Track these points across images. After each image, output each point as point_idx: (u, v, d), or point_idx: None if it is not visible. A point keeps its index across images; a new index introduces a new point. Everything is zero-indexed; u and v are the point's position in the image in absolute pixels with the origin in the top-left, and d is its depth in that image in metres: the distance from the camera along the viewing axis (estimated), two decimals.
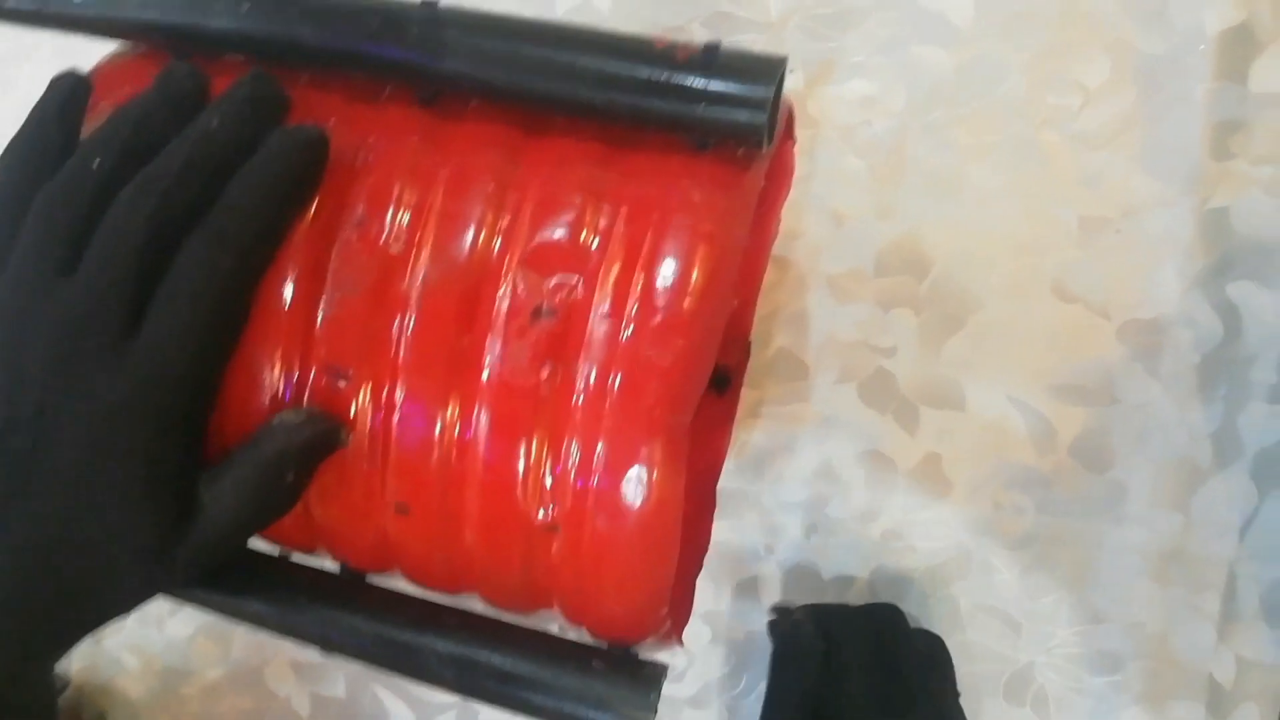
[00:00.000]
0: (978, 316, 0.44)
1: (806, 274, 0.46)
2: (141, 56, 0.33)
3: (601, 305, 0.28)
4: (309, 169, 0.29)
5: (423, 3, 0.30)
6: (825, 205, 0.46)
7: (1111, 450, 0.43)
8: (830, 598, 0.46)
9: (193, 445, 0.28)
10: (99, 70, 0.33)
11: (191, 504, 0.28)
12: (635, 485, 0.27)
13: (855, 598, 0.45)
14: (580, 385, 0.27)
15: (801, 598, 0.46)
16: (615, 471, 0.27)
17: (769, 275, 0.44)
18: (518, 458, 0.28)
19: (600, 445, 0.27)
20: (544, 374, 0.27)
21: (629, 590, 0.30)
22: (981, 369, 0.44)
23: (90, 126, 0.30)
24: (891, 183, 0.45)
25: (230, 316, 0.28)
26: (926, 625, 0.44)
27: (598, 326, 0.28)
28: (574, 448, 0.27)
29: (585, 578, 0.30)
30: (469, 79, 0.30)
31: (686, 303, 0.27)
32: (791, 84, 0.47)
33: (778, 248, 0.42)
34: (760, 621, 0.46)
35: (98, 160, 0.27)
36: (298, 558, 0.33)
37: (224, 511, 0.28)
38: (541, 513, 0.28)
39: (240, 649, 0.54)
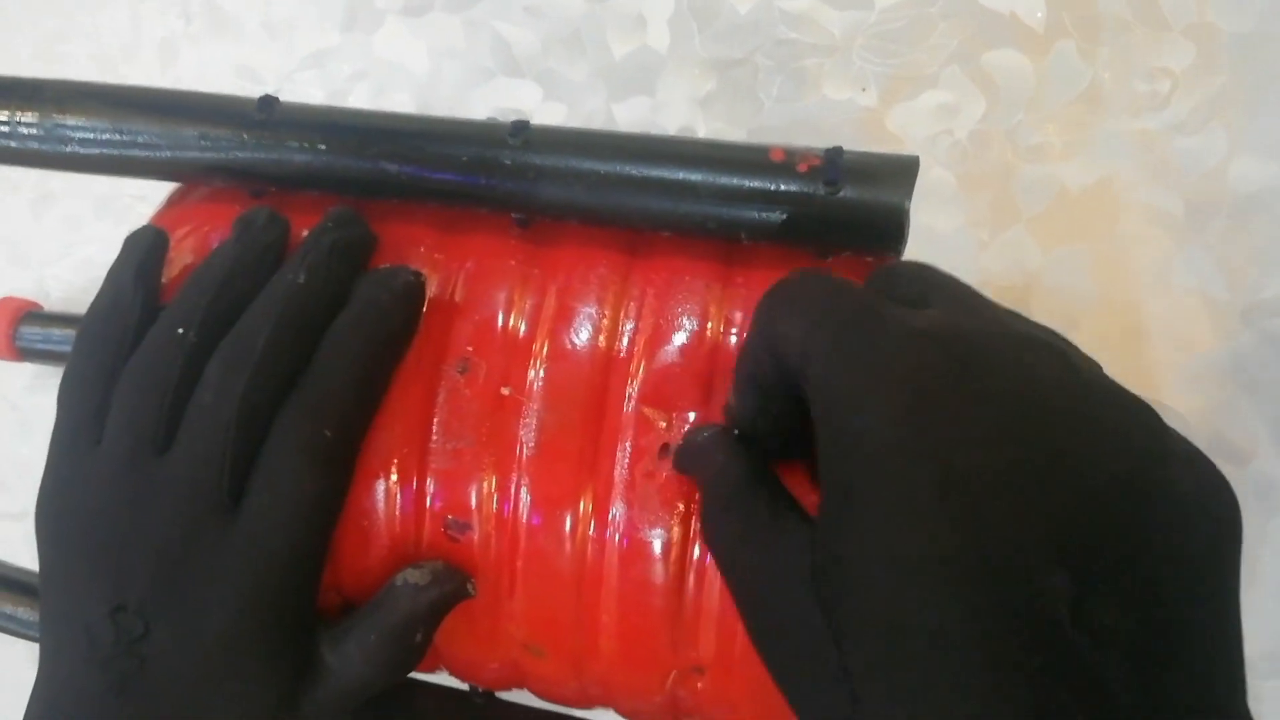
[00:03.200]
0: (1091, 316, 0.43)
1: None
2: (212, 194, 0.31)
3: None
4: (405, 319, 0.27)
5: (514, 123, 0.28)
6: (916, 220, 0.45)
7: (1252, 439, 0.41)
8: None
9: (306, 610, 0.27)
10: (169, 212, 0.31)
11: (312, 666, 0.26)
12: None
13: None
14: None
15: None
16: None
17: None
18: (657, 598, 0.26)
19: None
20: (678, 513, 0.26)
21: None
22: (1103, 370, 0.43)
23: (168, 274, 0.29)
24: (981, 190, 0.44)
25: (333, 485, 0.26)
26: None
27: None
28: (715, 584, 0.25)
29: (738, 712, 0.28)
30: (570, 204, 0.27)
31: None
32: (865, 102, 0.46)
33: None
34: None
35: (181, 330, 0.26)
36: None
37: (352, 675, 0.27)
38: (686, 653, 0.26)
39: None
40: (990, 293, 0.43)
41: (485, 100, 0.51)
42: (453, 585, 0.27)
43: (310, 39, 0.54)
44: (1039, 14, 0.44)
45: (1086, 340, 0.42)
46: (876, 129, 0.45)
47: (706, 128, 0.48)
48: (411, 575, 0.27)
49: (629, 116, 0.49)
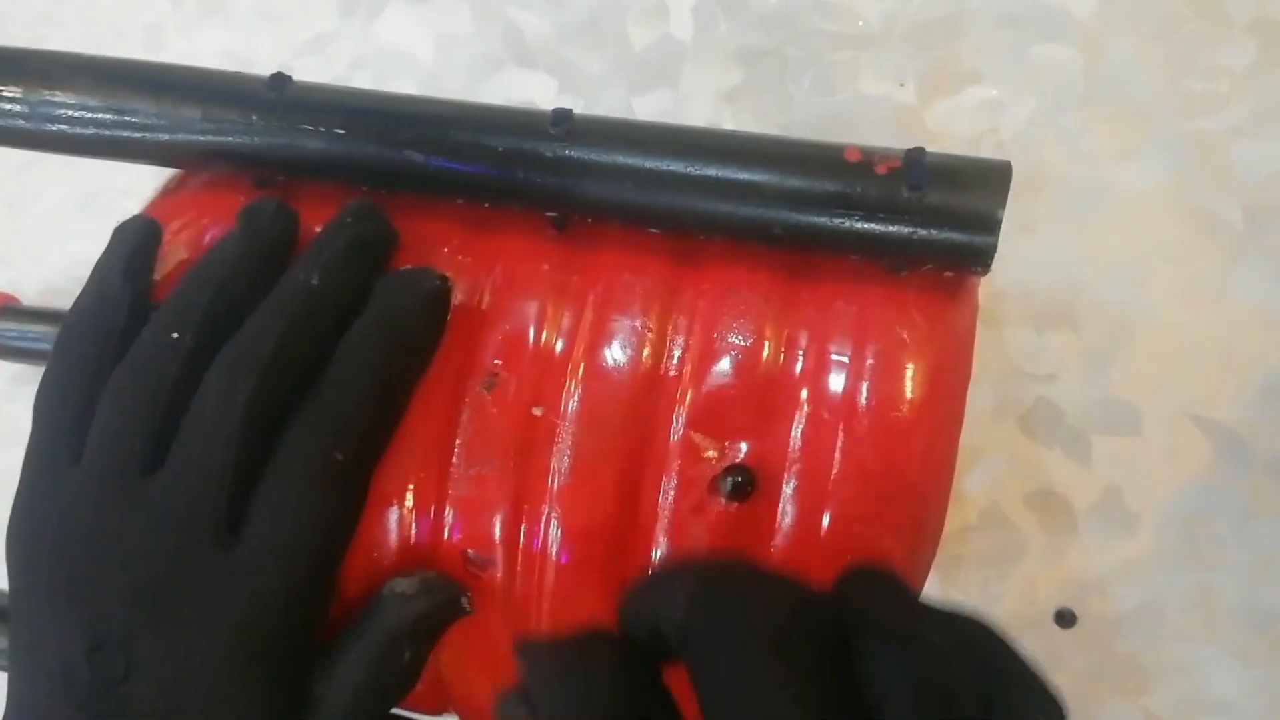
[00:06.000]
0: (1145, 330, 0.40)
1: None
2: (212, 182, 0.28)
3: (794, 470, 0.23)
4: (428, 328, 0.24)
5: (556, 111, 0.25)
6: None
7: None
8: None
9: (303, 650, 0.24)
10: (163, 201, 0.28)
11: (304, 702, 0.24)
12: None
13: (1051, 653, 0.41)
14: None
15: None
16: None
17: None
18: None
19: None
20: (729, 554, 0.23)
21: None
22: (1156, 387, 0.40)
23: (161, 270, 0.26)
24: (1028, 194, 0.42)
25: (343, 514, 0.24)
26: (1128, 678, 0.39)
27: (794, 496, 0.23)
28: None
29: None
30: (617, 204, 0.25)
31: (914, 467, 0.23)
32: (903, 98, 0.43)
33: None
34: None
35: (176, 334, 0.23)
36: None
37: (340, 704, 0.24)
38: None
39: None
40: (1039, 304, 0.41)
41: (496, 92, 0.48)
42: (444, 596, 0.24)
43: (307, 24, 0.51)
44: (1091, 6, 0.41)
45: (1142, 354, 0.40)
46: (915, 126, 0.43)
47: (733, 123, 0.45)
48: (399, 584, 0.24)
49: (650, 110, 0.46)
